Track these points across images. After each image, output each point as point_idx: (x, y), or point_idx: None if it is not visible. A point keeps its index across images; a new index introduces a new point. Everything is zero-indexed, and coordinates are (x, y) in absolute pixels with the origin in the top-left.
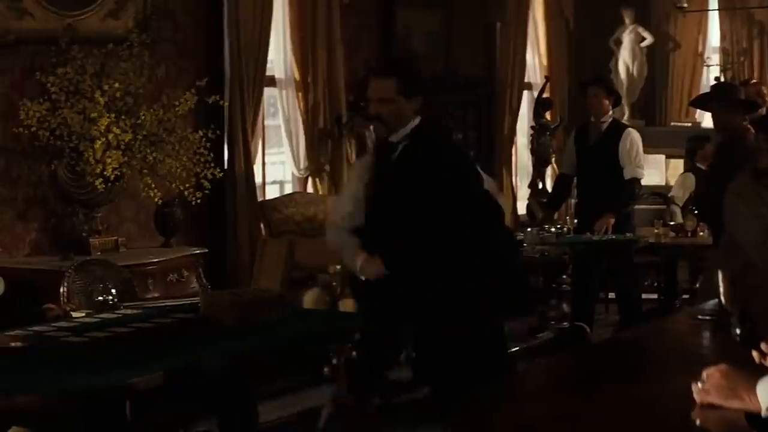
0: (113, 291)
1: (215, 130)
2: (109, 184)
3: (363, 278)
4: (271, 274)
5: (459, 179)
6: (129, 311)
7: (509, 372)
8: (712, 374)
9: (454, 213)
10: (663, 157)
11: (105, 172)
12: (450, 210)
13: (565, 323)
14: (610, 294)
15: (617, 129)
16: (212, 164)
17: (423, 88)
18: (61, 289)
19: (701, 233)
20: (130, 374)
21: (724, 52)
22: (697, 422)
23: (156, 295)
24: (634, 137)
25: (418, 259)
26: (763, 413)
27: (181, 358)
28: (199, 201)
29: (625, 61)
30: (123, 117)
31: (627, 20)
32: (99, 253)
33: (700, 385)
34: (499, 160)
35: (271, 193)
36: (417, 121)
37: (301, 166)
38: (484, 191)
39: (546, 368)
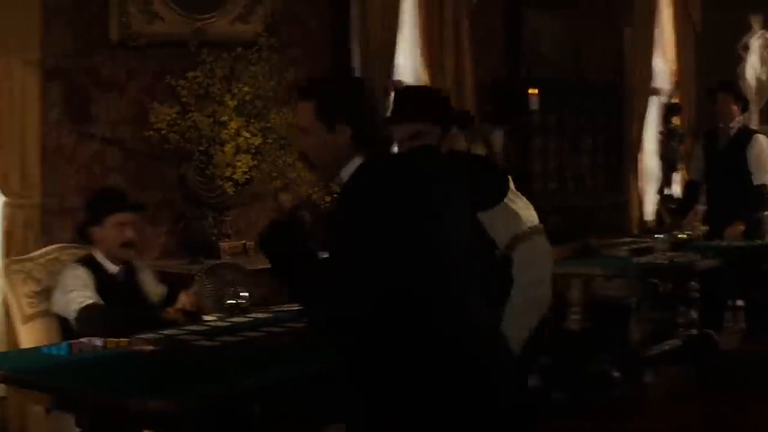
0: (244, 295)
1: None
2: (239, 187)
3: None
4: None
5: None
6: (260, 315)
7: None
8: None
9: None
10: None
11: (234, 176)
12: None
13: (693, 330)
14: (738, 301)
15: (746, 135)
16: None
17: (353, 115)
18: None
19: None
20: (261, 379)
21: None
22: None
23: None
24: (762, 143)
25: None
26: None
27: (312, 362)
28: (328, 205)
29: (753, 66)
30: (253, 120)
31: (755, 26)
32: (228, 257)
33: None
34: (627, 166)
35: None
36: (353, 166)
37: None
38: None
39: (674, 377)
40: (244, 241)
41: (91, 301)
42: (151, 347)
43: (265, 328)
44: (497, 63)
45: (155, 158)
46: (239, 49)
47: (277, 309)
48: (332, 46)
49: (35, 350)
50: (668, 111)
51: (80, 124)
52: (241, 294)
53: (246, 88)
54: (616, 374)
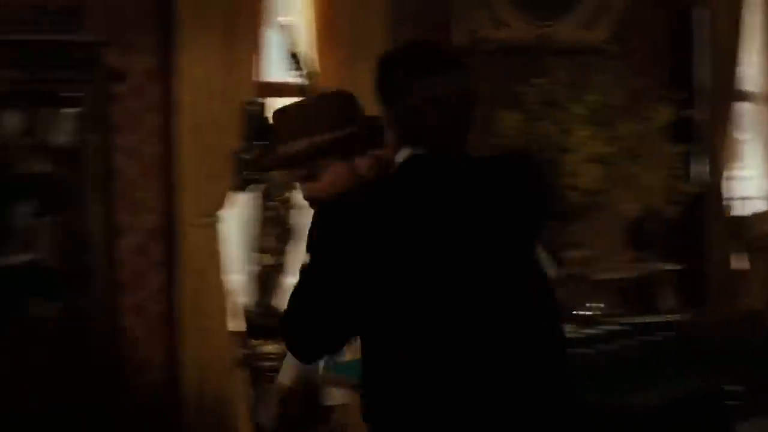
0: (597, 306)
1: (687, 143)
2: (586, 197)
3: None
4: (752, 292)
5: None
6: (611, 327)
7: None
8: None
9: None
10: None
11: (581, 185)
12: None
13: None
14: None
15: None
16: (686, 179)
17: (402, 96)
18: None
19: None
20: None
21: None
22: None
23: (627, 311)
24: None
25: None
26: None
27: (670, 380)
28: (673, 216)
29: None
30: (600, 130)
31: None
32: (575, 267)
33: None
34: None
35: (747, 209)
36: (401, 156)
37: None
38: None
39: None
40: (586, 251)
41: None
42: None
43: (620, 341)
44: None
45: None
46: (584, 57)
47: (626, 321)
48: (674, 54)
49: None
50: None
51: None
52: (593, 305)
53: (596, 97)
54: None
